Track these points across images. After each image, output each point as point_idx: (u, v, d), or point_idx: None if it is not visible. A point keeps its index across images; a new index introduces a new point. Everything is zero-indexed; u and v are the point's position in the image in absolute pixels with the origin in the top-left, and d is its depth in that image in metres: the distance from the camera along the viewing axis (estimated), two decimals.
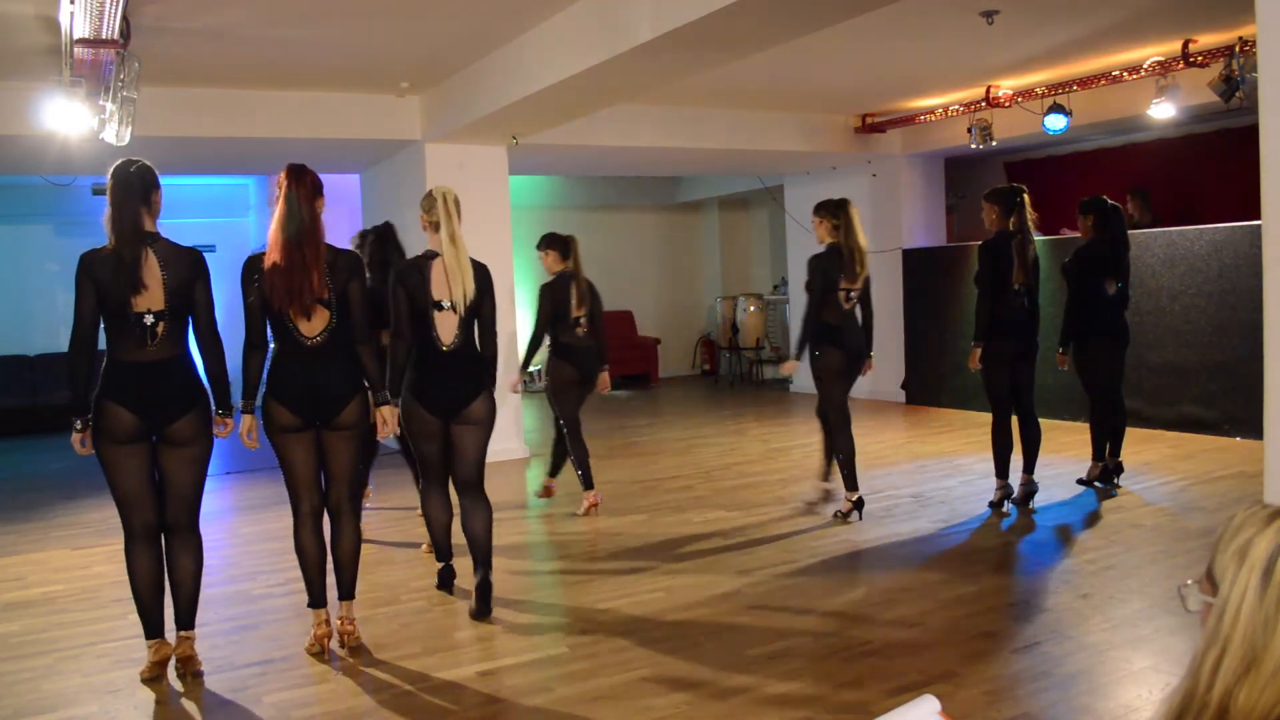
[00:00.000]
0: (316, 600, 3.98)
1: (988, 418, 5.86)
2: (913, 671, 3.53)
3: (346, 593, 4.04)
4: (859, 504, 5.73)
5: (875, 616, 4.13)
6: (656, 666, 3.68)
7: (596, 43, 5.43)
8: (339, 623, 4.03)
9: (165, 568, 3.73)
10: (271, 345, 3.92)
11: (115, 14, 4.48)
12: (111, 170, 3.61)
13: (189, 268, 3.62)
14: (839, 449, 5.74)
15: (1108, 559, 4.75)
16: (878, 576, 4.66)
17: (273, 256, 3.73)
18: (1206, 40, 6.92)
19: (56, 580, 5.20)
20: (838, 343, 5.64)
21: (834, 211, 5.70)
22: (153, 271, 3.54)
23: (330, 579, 4.02)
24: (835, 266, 5.62)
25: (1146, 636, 3.78)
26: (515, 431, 8.43)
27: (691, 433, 9.22)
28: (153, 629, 3.73)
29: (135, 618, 3.77)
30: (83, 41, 4.74)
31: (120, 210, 3.54)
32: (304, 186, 3.79)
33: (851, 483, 5.72)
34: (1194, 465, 6.75)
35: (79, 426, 3.56)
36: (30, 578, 5.27)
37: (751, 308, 13.25)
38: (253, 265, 3.82)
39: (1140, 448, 7.43)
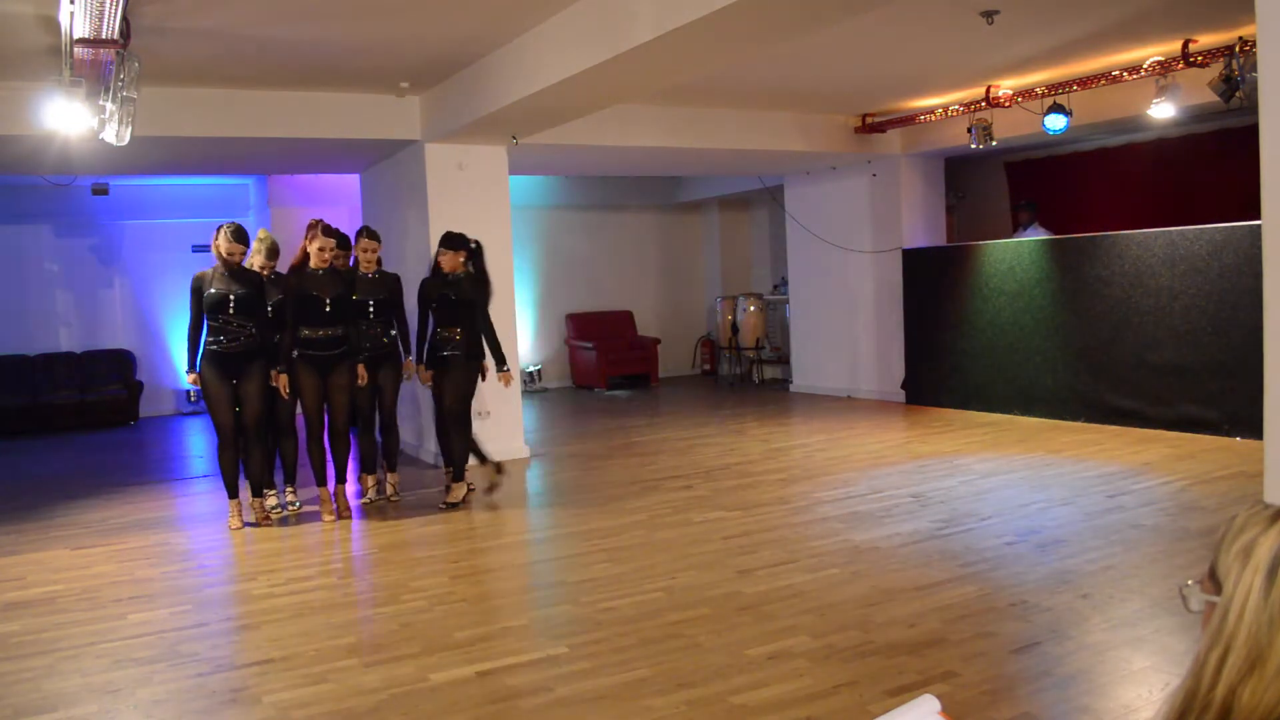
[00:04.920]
0: (321, 479, 6.43)
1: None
2: (912, 671, 3.53)
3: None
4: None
5: (875, 616, 4.13)
6: (656, 666, 3.68)
7: (596, 43, 5.43)
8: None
9: (239, 459, 6.17)
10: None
11: (115, 14, 4.47)
12: (218, 228, 5.99)
13: (252, 285, 6.00)
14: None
15: (1108, 559, 4.75)
16: (877, 576, 4.66)
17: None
18: (1206, 40, 6.92)
19: (56, 580, 5.20)
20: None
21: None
22: (234, 285, 5.92)
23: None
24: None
25: (1146, 636, 3.78)
26: (516, 431, 8.42)
27: (691, 433, 9.21)
28: (232, 493, 6.17)
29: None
30: (83, 41, 4.73)
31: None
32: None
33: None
34: (1194, 465, 6.75)
35: (189, 372, 6.01)
36: (30, 578, 5.27)
37: (751, 308, 13.24)
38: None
39: (1140, 448, 7.44)
